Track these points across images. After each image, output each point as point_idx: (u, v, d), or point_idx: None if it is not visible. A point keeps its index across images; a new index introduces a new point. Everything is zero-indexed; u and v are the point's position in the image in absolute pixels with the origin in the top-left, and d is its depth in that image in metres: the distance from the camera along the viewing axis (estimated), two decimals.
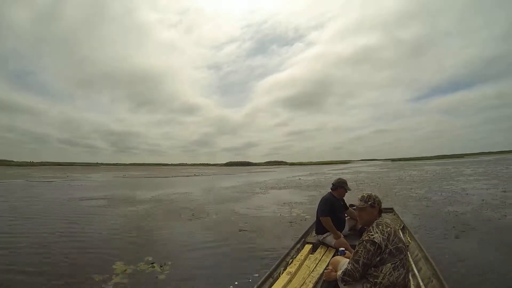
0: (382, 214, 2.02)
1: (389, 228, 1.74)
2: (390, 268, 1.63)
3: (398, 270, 1.64)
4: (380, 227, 1.75)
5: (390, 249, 1.66)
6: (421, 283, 2.13)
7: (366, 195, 1.97)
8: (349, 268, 1.75)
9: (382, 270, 1.65)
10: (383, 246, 1.66)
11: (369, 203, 1.91)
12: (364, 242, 1.74)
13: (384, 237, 1.69)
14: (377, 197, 1.96)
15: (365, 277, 1.73)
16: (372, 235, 1.72)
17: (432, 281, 2.12)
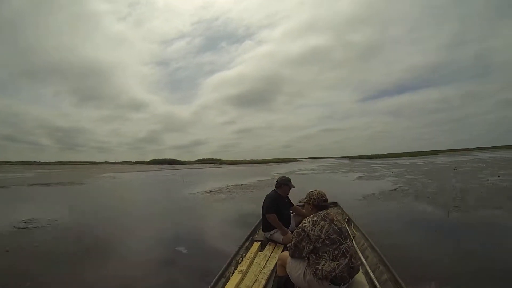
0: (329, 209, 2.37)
1: (322, 222, 2.07)
2: (327, 257, 1.97)
3: (338, 260, 1.95)
4: (315, 218, 2.12)
5: (323, 239, 1.99)
6: (369, 270, 2.48)
7: (307, 193, 2.38)
8: (289, 246, 2.27)
9: (322, 258, 1.98)
10: (311, 235, 2.03)
11: (305, 199, 2.37)
12: (297, 228, 2.20)
13: (314, 228, 2.05)
14: (314, 194, 2.31)
15: (310, 265, 2.04)
16: (304, 224, 2.13)
17: (379, 267, 2.50)
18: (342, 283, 1.98)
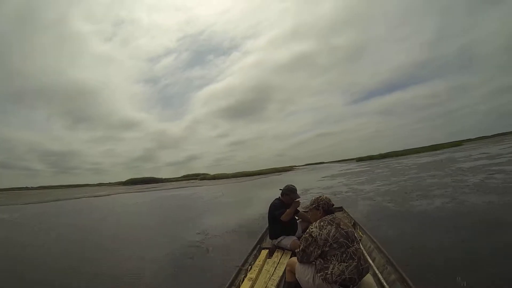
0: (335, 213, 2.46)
1: (329, 226, 2.17)
2: (336, 260, 2.06)
3: (346, 262, 2.04)
4: (322, 223, 2.22)
5: (331, 243, 2.08)
6: (377, 271, 2.57)
7: (313, 199, 2.49)
8: (297, 252, 2.35)
9: (331, 262, 2.07)
10: (319, 239, 2.12)
11: (313, 205, 2.44)
12: (305, 234, 2.29)
13: (321, 232, 2.14)
14: (322, 200, 2.41)
15: (319, 269, 2.11)
16: (312, 229, 2.22)
17: (386, 268, 2.59)
18: (351, 285, 2.04)
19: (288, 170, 66.47)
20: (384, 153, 69.42)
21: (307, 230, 2.28)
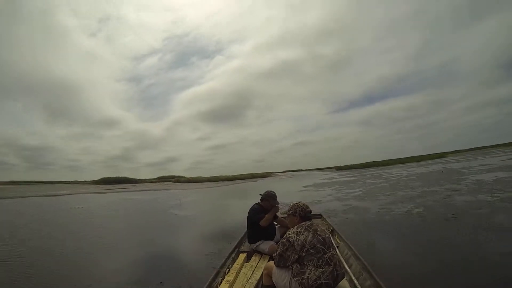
0: (314, 220, 2.56)
1: (306, 232, 2.24)
2: (312, 266, 2.12)
3: (322, 268, 2.11)
4: (299, 229, 2.28)
5: (307, 248, 2.15)
6: (353, 278, 2.63)
7: (291, 205, 2.57)
8: (274, 256, 2.43)
9: (307, 267, 2.13)
10: (296, 244, 2.19)
11: (291, 212, 2.52)
12: (282, 238, 2.37)
13: (298, 237, 2.21)
14: (299, 206, 2.50)
15: (296, 275, 2.17)
16: (289, 234, 2.29)
17: (362, 274, 2.67)
18: None
19: (266, 176, 64.73)
20: (365, 163, 67.91)
21: (285, 235, 2.36)
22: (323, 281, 2.08)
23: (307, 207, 2.53)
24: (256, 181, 45.54)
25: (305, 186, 20.88)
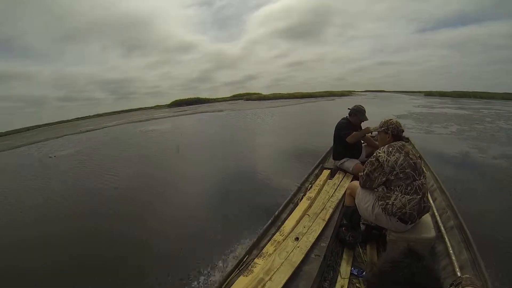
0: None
1: (397, 153, 2.00)
2: (399, 191, 1.95)
3: (410, 195, 1.93)
4: (390, 149, 2.05)
5: (397, 172, 1.95)
6: (436, 213, 2.44)
7: (383, 121, 2.31)
8: (360, 176, 2.26)
9: (394, 192, 1.97)
10: (385, 166, 1.99)
11: (382, 128, 2.28)
12: (371, 157, 2.15)
13: (389, 158, 2.00)
14: (392, 123, 2.24)
15: (380, 198, 2.04)
16: (379, 153, 2.08)
17: (446, 212, 2.45)
18: (410, 222, 1.96)
19: (346, 95, 60.85)
20: (460, 91, 52.39)
21: (374, 154, 2.16)
22: (407, 211, 1.92)
23: (400, 125, 2.26)
24: (333, 100, 42.16)
25: (397, 115, 15.26)
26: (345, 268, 2.20)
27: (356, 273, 2.19)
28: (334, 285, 2.01)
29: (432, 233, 2.00)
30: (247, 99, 62.68)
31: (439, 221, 2.35)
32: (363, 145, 3.72)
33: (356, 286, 2.08)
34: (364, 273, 2.18)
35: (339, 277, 2.10)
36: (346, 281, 2.06)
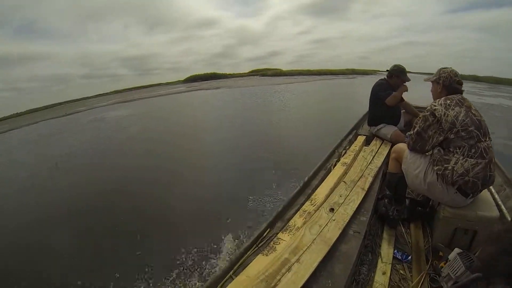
0: None
1: (458, 108, 1.61)
2: (460, 154, 1.58)
3: (475, 159, 1.54)
4: (448, 101, 1.65)
5: (458, 129, 1.57)
6: (492, 190, 2.08)
7: (438, 70, 1.88)
8: (410, 135, 1.84)
9: (453, 154, 1.59)
10: (443, 121, 1.60)
11: (434, 78, 1.84)
12: (425, 111, 1.72)
13: (447, 112, 1.61)
14: (446, 72, 1.81)
15: (436, 162, 1.66)
16: (435, 106, 1.67)
17: (504, 189, 2.11)
18: (471, 194, 1.58)
19: (369, 74, 57.88)
20: (497, 78, 48.35)
21: (428, 108, 1.71)
22: (470, 178, 1.53)
23: (456, 75, 1.79)
24: (354, 78, 40.62)
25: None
26: (386, 251, 1.82)
27: (399, 257, 1.80)
28: (374, 271, 1.65)
29: (495, 211, 1.65)
30: (263, 75, 61.71)
31: (497, 198, 2.01)
32: (402, 111, 3.31)
33: (400, 273, 1.70)
34: (410, 257, 1.79)
35: (379, 260, 1.73)
36: (389, 266, 1.68)
